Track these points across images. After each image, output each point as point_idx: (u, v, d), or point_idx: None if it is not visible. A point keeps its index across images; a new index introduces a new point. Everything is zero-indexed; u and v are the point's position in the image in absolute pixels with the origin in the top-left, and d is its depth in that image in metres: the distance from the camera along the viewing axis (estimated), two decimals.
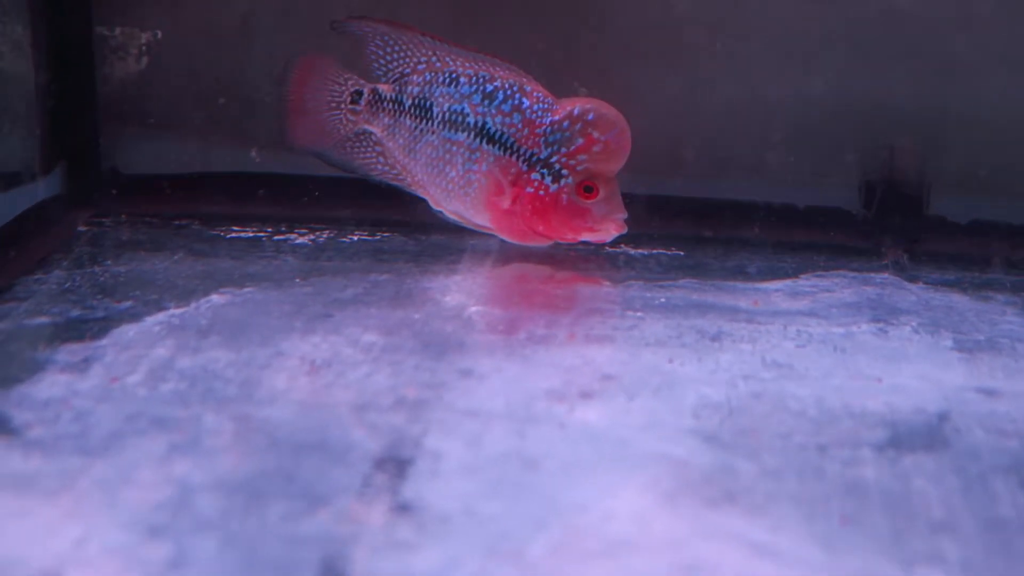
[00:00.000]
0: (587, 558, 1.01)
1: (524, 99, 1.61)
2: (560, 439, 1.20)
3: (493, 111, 1.61)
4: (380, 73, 1.68)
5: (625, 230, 1.60)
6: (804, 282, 1.65)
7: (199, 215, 1.82)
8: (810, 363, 1.38)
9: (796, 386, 1.32)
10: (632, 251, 1.75)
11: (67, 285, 1.54)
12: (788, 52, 1.82)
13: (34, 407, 1.21)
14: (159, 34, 1.87)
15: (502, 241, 1.68)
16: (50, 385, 1.26)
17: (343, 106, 1.68)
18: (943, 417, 1.27)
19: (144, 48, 1.87)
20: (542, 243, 1.65)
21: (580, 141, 1.58)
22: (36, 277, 1.57)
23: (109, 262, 1.63)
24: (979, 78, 1.80)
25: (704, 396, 1.29)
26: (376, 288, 1.57)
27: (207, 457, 1.13)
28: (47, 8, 1.80)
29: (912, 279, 1.68)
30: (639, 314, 1.51)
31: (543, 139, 1.59)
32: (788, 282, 1.65)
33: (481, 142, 1.61)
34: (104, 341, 1.37)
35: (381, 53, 1.67)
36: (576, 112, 1.58)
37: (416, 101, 1.65)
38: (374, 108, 1.67)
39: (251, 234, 1.76)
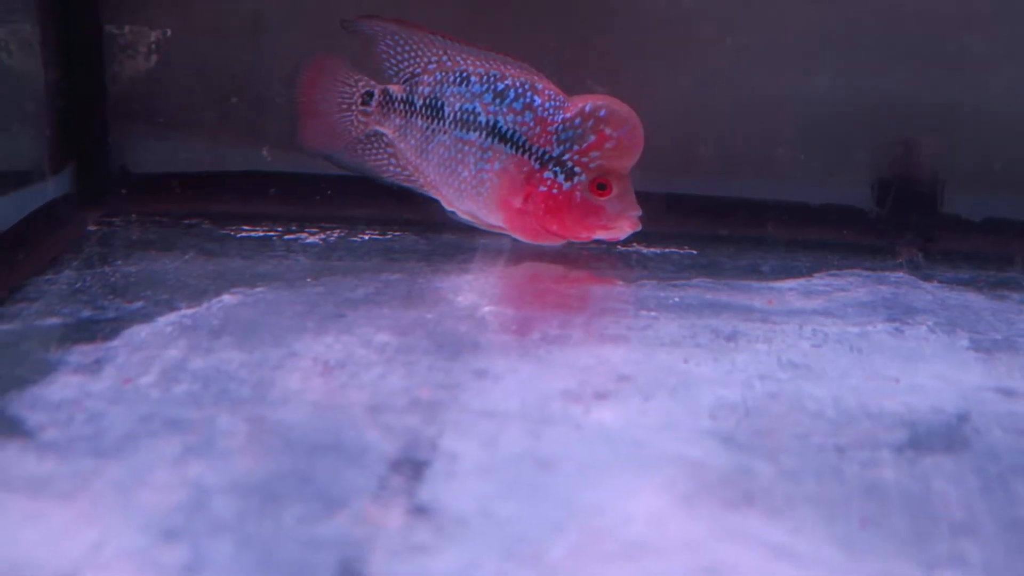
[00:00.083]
0: (606, 560, 1.00)
1: (536, 97, 1.60)
2: (576, 440, 1.19)
3: (505, 110, 1.60)
4: (391, 73, 1.67)
5: (639, 227, 1.59)
6: (818, 281, 1.64)
7: (209, 214, 1.82)
8: (826, 363, 1.37)
9: (813, 386, 1.32)
10: (645, 250, 1.75)
11: (78, 285, 1.53)
12: (800, 49, 1.81)
13: (47, 409, 1.20)
14: (168, 32, 1.86)
15: (514, 240, 1.67)
16: (63, 386, 1.25)
17: (354, 107, 1.67)
18: (962, 417, 1.26)
19: (153, 46, 1.86)
20: (556, 242, 1.64)
21: (592, 138, 1.57)
22: (46, 277, 1.56)
23: (119, 262, 1.63)
24: (992, 73, 1.79)
25: (720, 397, 1.28)
26: (388, 288, 1.56)
27: (222, 459, 1.12)
28: (56, 6, 1.80)
29: (927, 278, 1.67)
30: (653, 314, 1.50)
31: (555, 137, 1.59)
32: (802, 281, 1.64)
33: (493, 141, 1.61)
34: (116, 342, 1.36)
35: (392, 53, 1.66)
36: (588, 109, 1.58)
37: (427, 101, 1.64)
38: (385, 109, 1.66)
39: (261, 233, 1.76)
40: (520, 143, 1.60)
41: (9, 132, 1.72)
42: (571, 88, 1.62)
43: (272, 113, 1.85)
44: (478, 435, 1.19)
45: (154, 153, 1.89)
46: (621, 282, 1.63)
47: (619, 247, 1.73)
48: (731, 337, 1.44)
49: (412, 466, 1.12)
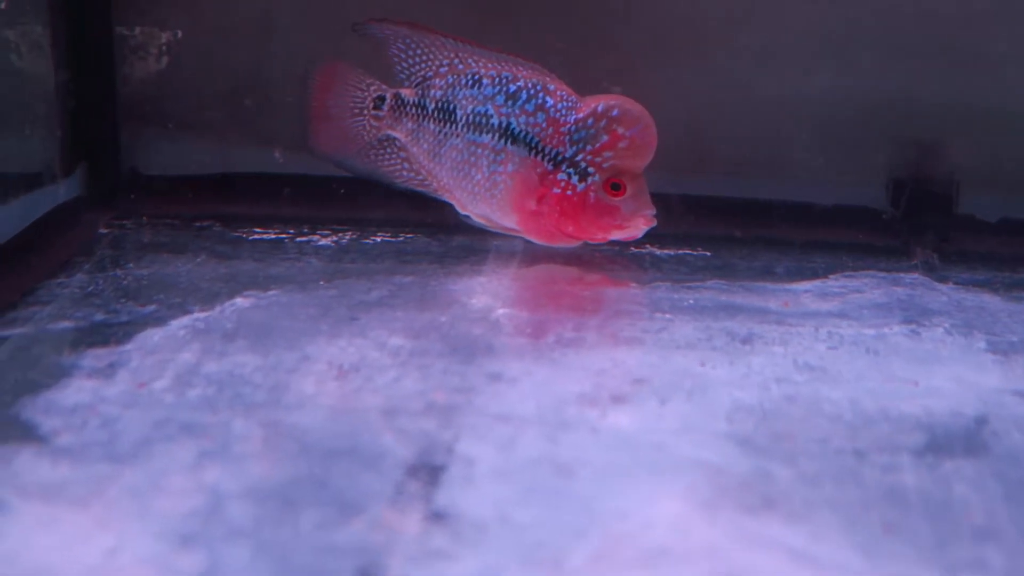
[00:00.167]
0: (627, 567, 0.99)
1: (548, 98, 1.59)
2: (593, 444, 1.18)
3: (517, 111, 1.60)
4: (403, 77, 1.66)
5: (654, 224, 1.58)
6: (833, 283, 1.63)
7: (220, 216, 1.81)
8: (843, 365, 1.37)
9: (830, 389, 1.31)
10: (658, 251, 1.74)
11: (90, 289, 1.53)
12: (814, 49, 1.80)
13: (61, 413, 1.19)
14: (179, 34, 1.85)
15: (526, 242, 1.66)
16: (76, 391, 1.24)
17: (366, 112, 1.66)
18: (981, 421, 1.25)
19: (164, 48, 1.86)
20: (571, 244, 1.63)
21: (605, 138, 1.56)
22: (58, 280, 1.55)
23: (131, 265, 1.62)
24: (1008, 74, 1.79)
25: (737, 400, 1.28)
26: (401, 290, 1.55)
27: (237, 464, 1.12)
28: (67, 8, 1.79)
29: (942, 279, 1.67)
30: (668, 316, 1.49)
31: (568, 138, 1.58)
32: (817, 283, 1.63)
33: (506, 143, 1.60)
34: (129, 346, 1.36)
35: (403, 56, 1.65)
36: (600, 109, 1.57)
37: (439, 104, 1.63)
38: (397, 113, 1.65)
39: (273, 235, 1.75)
40: (533, 144, 1.59)
41: (20, 134, 1.72)
42: (583, 89, 1.61)
43: (283, 114, 1.85)
44: (494, 439, 1.18)
45: (165, 155, 1.88)
46: (635, 284, 1.62)
47: (632, 248, 1.72)
48: (747, 339, 1.43)
49: (428, 471, 1.12)
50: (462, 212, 1.66)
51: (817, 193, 1.83)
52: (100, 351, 1.34)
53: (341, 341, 1.38)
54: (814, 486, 1.12)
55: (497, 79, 1.61)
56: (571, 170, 1.58)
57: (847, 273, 1.67)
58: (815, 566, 1.00)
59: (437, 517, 1.05)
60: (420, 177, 1.67)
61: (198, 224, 1.79)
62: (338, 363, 1.33)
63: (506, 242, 1.70)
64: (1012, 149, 1.80)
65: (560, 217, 1.59)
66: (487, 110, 1.61)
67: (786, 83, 1.81)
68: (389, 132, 1.67)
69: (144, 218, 1.81)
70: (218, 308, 1.47)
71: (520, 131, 1.59)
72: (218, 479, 1.09)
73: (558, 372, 1.33)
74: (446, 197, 1.67)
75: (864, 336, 1.45)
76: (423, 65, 1.65)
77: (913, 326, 1.49)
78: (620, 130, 1.56)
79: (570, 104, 1.59)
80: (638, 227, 1.58)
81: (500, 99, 1.61)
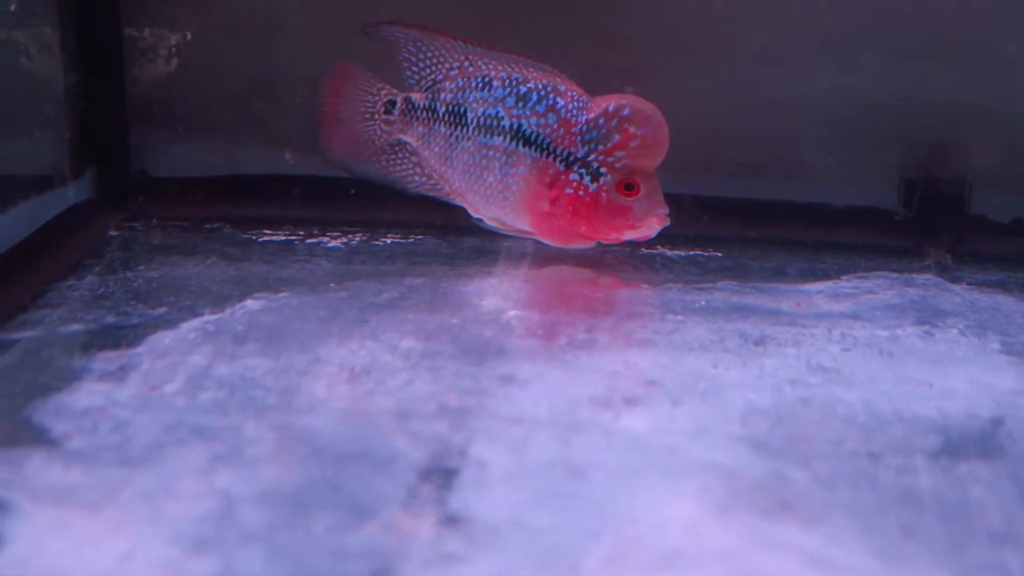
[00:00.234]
0: (642, 570, 0.99)
1: (559, 99, 1.59)
2: (606, 447, 1.18)
3: (528, 113, 1.59)
4: (413, 80, 1.65)
5: (668, 224, 1.57)
6: (846, 284, 1.63)
7: (230, 218, 1.81)
8: (857, 367, 1.36)
9: (844, 391, 1.30)
10: (669, 252, 1.73)
11: (100, 291, 1.52)
12: (826, 49, 1.79)
13: (72, 417, 1.19)
14: (188, 35, 1.85)
15: (536, 243, 1.65)
16: (88, 394, 1.24)
17: (377, 116, 1.66)
18: (996, 423, 1.24)
19: (173, 49, 1.85)
20: (585, 245, 1.62)
21: (617, 137, 1.56)
22: (68, 283, 1.55)
23: (141, 267, 1.62)
24: (1021, 74, 1.78)
25: (751, 402, 1.27)
26: (412, 292, 1.55)
27: (250, 467, 1.11)
28: (76, 10, 1.79)
29: (955, 280, 1.66)
30: (679, 317, 1.49)
31: (579, 138, 1.57)
32: (829, 284, 1.63)
33: (517, 145, 1.59)
34: (140, 348, 1.35)
35: (414, 60, 1.65)
36: (611, 108, 1.56)
37: (450, 108, 1.62)
38: (408, 117, 1.65)
39: (283, 237, 1.75)
40: (544, 146, 1.58)
41: (30, 136, 1.72)
42: (593, 90, 1.61)
43: (292, 116, 1.84)
44: (507, 442, 1.17)
45: (174, 157, 1.88)
46: (646, 285, 1.62)
47: (643, 249, 1.72)
48: (759, 341, 1.42)
49: (441, 474, 1.11)
50: (475, 216, 1.66)
51: (829, 194, 1.83)
52: (111, 354, 1.33)
53: (352, 343, 1.38)
54: (829, 489, 1.11)
55: (507, 81, 1.61)
56: (583, 171, 1.57)
57: (859, 274, 1.66)
58: (831, 570, 1.00)
59: (450, 521, 1.04)
60: (432, 181, 1.66)
61: (208, 226, 1.78)
62: (349, 366, 1.33)
63: (517, 243, 1.69)
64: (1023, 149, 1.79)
65: (573, 218, 1.58)
66: (498, 112, 1.60)
67: (798, 83, 1.80)
68: (400, 136, 1.66)
69: (154, 220, 1.80)
70: (228, 310, 1.46)
71: (531, 133, 1.59)
72: (230, 483, 1.08)
73: (570, 374, 1.32)
74: (458, 201, 1.66)
75: (878, 337, 1.44)
76: (434, 68, 1.64)
77: (927, 327, 1.48)
78: (632, 129, 1.55)
79: (581, 104, 1.58)
80: (651, 227, 1.58)
81: (511, 101, 1.60)
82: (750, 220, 1.82)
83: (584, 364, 1.34)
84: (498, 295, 1.55)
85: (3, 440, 1.15)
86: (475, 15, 1.81)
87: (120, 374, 1.29)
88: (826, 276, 1.65)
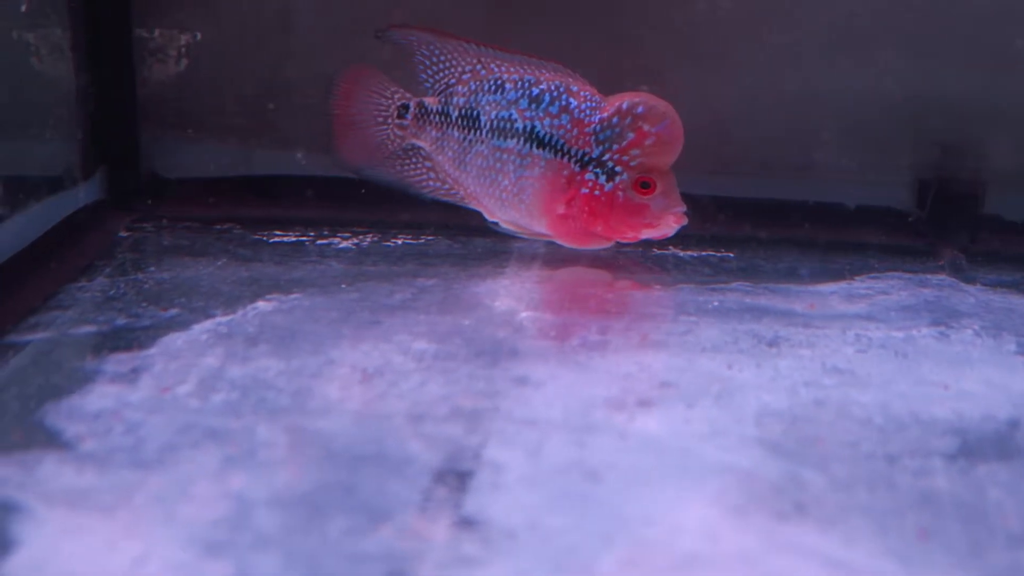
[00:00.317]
0: (657, 574, 0.98)
1: (571, 99, 1.58)
2: (621, 449, 1.17)
3: (541, 114, 1.58)
4: (428, 84, 1.64)
5: (686, 222, 1.57)
6: (859, 284, 1.62)
7: (240, 219, 1.80)
8: (872, 369, 1.35)
9: (859, 393, 1.29)
10: (681, 253, 1.73)
11: (111, 292, 1.52)
12: (839, 48, 1.78)
13: (85, 419, 1.19)
14: (198, 36, 1.85)
15: (548, 243, 1.65)
16: (100, 396, 1.24)
17: (390, 120, 1.65)
18: (1014, 424, 1.24)
19: (183, 50, 1.85)
20: (602, 245, 1.61)
21: (631, 136, 1.55)
22: (79, 284, 1.55)
23: (152, 268, 1.61)
24: None
25: (765, 404, 1.26)
26: (423, 293, 1.54)
27: (263, 470, 1.11)
28: (86, 10, 1.78)
29: (969, 280, 1.65)
30: (692, 318, 1.48)
31: (593, 138, 1.56)
32: (843, 284, 1.62)
33: (531, 147, 1.58)
34: (152, 350, 1.35)
35: (428, 64, 1.64)
36: (625, 107, 1.55)
37: (463, 112, 1.62)
38: (421, 122, 1.64)
39: (294, 238, 1.74)
40: (559, 147, 1.57)
41: (40, 138, 1.71)
42: (606, 90, 1.60)
43: (302, 116, 1.84)
44: (522, 444, 1.17)
45: (184, 157, 1.87)
46: (658, 286, 1.61)
47: (655, 250, 1.71)
48: (773, 342, 1.41)
49: (456, 477, 1.11)
50: (490, 219, 1.65)
51: (842, 194, 1.82)
52: (123, 356, 1.33)
53: (364, 345, 1.37)
54: (846, 491, 1.11)
55: (520, 83, 1.60)
56: (599, 170, 1.56)
57: (873, 274, 1.65)
58: (850, 573, 0.99)
59: (466, 523, 1.04)
60: (446, 186, 1.66)
61: (218, 227, 1.78)
62: (362, 367, 1.32)
63: (528, 244, 1.69)
64: None
65: (590, 218, 1.57)
66: (511, 115, 1.59)
67: (811, 82, 1.79)
68: (414, 141, 1.66)
69: (164, 221, 1.80)
70: (240, 312, 1.46)
71: (545, 134, 1.58)
72: (244, 486, 1.08)
73: (584, 376, 1.31)
74: (473, 205, 1.65)
75: (892, 338, 1.43)
76: (448, 72, 1.64)
77: (941, 328, 1.47)
78: (646, 127, 1.55)
79: (594, 104, 1.57)
80: (669, 225, 1.57)
81: (523, 103, 1.59)
82: (762, 220, 1.81)
83: (598, 365, 1.34)
84: (510, 296, 1.54)
85: (16, 443, 1.15)
86: (487, 14, 1.80)
87: (132, 376, 1.28)
88: (839, 276, 1.65)
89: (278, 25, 1.84)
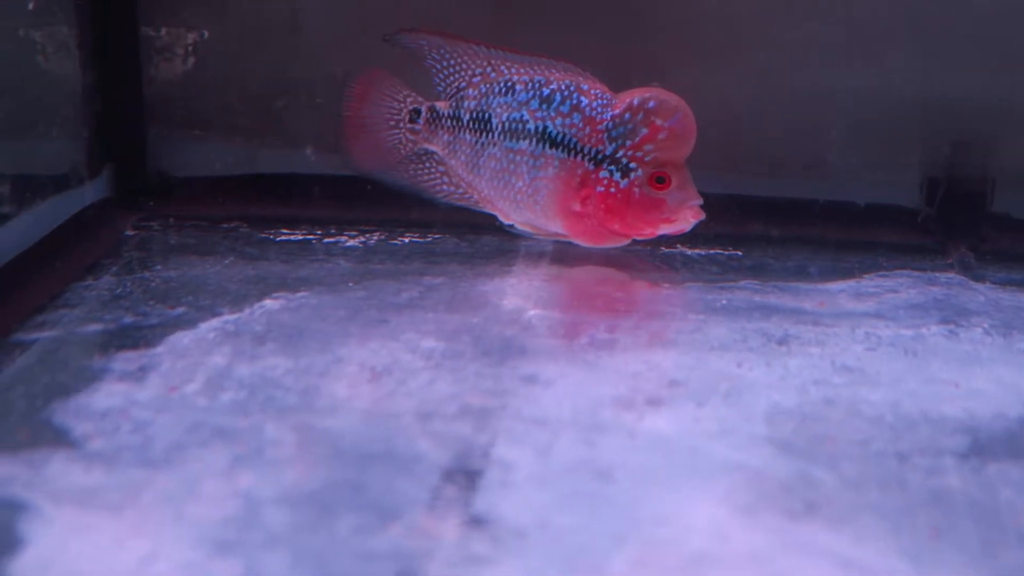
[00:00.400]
0: (668, 573, 0.98)
1: (582, 98, 1.57)
2: (631, 448, 1.17)
3: (552, 114, 1.58)
4: (441, 88, 1.64)
5: (703, 216, 1.56)
6: (868, 282, 1.61)
7: (247, 217, 1.80)
8: (882, 367, 1.35)
9: (869, 391, 1.29)
10: (689, 251, 1.72)
11: (118, 291, 1.52)
12: (849, 47, 1.78)
13: (93, 418, 1.18)
14: (205, 34, 1.84)
15: (555, 242, 1.64)
16: (107, 395, 1.23)
17: (402, 124, 1.64)
18: None
19: (190, 48, 1.85)
20: (619, 243, 1.60)
21: (644, 131, 1.54)
22: (86, 283, 1.54)
23: (159, 267, 1.61)
24: None
25: (775, 402, 1.26)
26: (431, 292, 1.54)
27: (272, 469, 1.10)
28: (93, 9, 1.78)
29: (978, 278, 1.64)
30: (701, 317, 1.48)
31: (606, 135, 1.56)
32: (852, 282, 1.61)
33: (544, 147, 1.58)
34: (159, 349, 1.34)
35: (439, 67, 1.64)
36: (636, 103, 1.55)
37: (474, 115, 1.61)
38: (433, 126, 1.64)
39: (301, 237, 1.74)
40: (571, 146, 1.57)
41: (47, 136, 1.71)
42: (616, 88, 1.59)
43: (310, 115, 1.84)
44: (531, 443, 1.16)
45: (191, 156, 1.87)
46: (667, 284, 1.61)
47: (662, 248, 1.70)
48: (782, 341, 1.41)
49: (465, 475, 1.10)
50: (505, 222, 1.64)
51: (851, 192, 1.81)
52: (130, 354, 1.33)
53: (372, 343, 1.37)
54: (857, 490, 1.10)
55: (530, 84, 1.59)
56: (613, 167, 1.55)
57: (882, 273, 1.65)
58: (861, 572, 0.99)
59: (476, 522, 1.03)
60: (460, 190, 1.65)
61: (225, 225, 1.77)
62: (370, 366, 1.32)
63: (535, 242, 1.68)
64: None
65: (606, 216, 1.56)
66: (522, 116, 1.59)
67: (820, 81, 1.78)
68: (426, 145, 1.65)
69: (171, 219, 1.80)
70: (247, 310, 1.45)
71: (557, 134, 1.57)
72: (253, 484, 1.08)
73: (593, 375, 1.31)
74: (488, 209, 1.65)
75: (902, 337, 1.43)
76: (458, 75, 1.63)
77: (951, 326, 1.47)
78: (659, 121, 1.54)
79: (605, 101, 1.57)
80: (687, 219, 1.56)
81: (534, 104, 1.58)
82: (771, 218, 1.80)
83: (606, 364, 1.33)
84: (518, 294, 1.54)
85: (24, 441, 1.14)
86: (494, 14, 1.80)
87: (140, 374, 1.28)
88: (848, 275, 1.64)
89: (285, 24, 1.84)
